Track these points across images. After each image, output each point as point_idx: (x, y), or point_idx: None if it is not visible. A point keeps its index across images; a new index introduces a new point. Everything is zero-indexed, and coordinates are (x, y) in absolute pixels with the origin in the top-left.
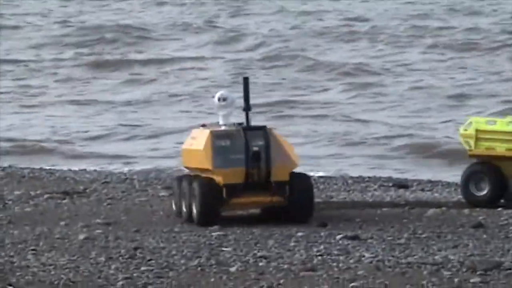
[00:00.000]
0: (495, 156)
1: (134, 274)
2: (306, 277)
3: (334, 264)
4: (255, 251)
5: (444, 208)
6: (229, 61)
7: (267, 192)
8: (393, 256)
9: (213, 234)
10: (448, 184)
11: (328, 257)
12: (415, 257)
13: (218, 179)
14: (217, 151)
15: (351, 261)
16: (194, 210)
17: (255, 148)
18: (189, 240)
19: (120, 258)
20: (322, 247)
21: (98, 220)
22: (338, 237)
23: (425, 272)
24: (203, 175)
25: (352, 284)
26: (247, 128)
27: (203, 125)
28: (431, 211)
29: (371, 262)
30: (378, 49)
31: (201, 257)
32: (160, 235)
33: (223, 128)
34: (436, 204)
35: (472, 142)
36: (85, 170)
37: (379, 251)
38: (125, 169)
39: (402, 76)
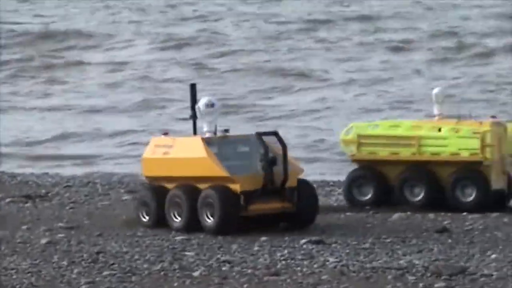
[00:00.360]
0: (378, 161)
1: (97, 279)
2: (270, 282)
3: (298, 268)
4: (219, 256)
5: (409, 213)
6: (178, 64)
7: (279, 198)
8: (357, 261)
9: (176, 238)
10: None
11: (292, 261)
12: (380, 261)
13: (235, 186)
14: (225, 157)
15: (315, 265)
16: (208, 220)
17: (271, 154)
18: (152, 244)
19: (83, 262)
20: (286, 251)
21: (60, 224)
22: (302, 241)
23: (389, 277)
24: (200, 184)
25: None
26: (261, 134)
27: (165, 134)
28: (395, 216)
29: (335, 267)
30: (329, 53)
31: (164, 262)
32: (123, 239)
33: (220, 134)
34: (401, 209)
35: (354, 147)
36: (47, 173)
37: (343, 256)
38: (87, 172)
39: (352, 80)
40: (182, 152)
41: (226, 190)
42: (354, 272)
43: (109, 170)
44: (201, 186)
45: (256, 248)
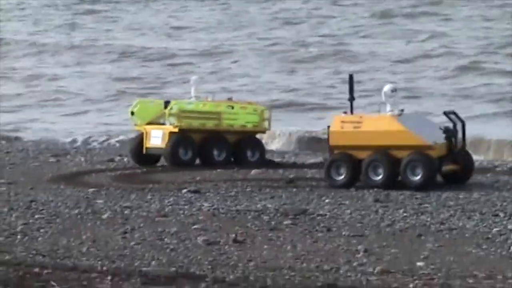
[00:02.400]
0: (192, 129)
1: (30, 221)
2: (160, 221)
3: (181, 211)
4: (121, 203)
5: (264, 169)
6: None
7: (455, 161)
8: (225, 205)
9: (89, 190)
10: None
11: (177, 206)
12: (242, 206)
13: (434, 152)
14: (416, 130)
15: (194, 209)
16: (414, 178)
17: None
18: (71, 195)
19: (19, 208)
20: (171, 199)
21: (2, 181)
22: (184, 191)
23: (249, 217)
24: (393, 151)
25: (194, 226)
26: (448, 112)
27: (345, 112)
28: (254, 171)
29: (209, 210)
30: None
31: (80, 207)
32: (49, 191)
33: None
34: (255, 166)
35: (176, 119)
36: None
37: (215, 202)
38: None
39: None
40: (378, 127)
41: (429, 155)
42: (223, 213)
43: (38, 137)
44: (397, 153)
45: (149, 197)
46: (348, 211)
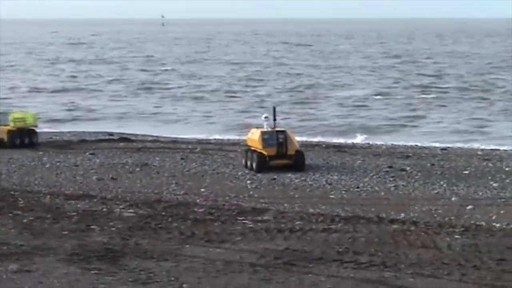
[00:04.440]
0: (17, 127)
1: (9, 168)
2: (74, 168)
3: (85, 163)
4: (55, 159)
5: (127, 142)
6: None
7: (285, 158)
8: (107, 161)
9: (39, 152)
10: None
11: (83, 161)
12: (115, 161)
13: (264, 152)
14: (267, 139)
15: (91, 162)
16: (254, 164)
17: (280, 139)
18: (30, 155)
19: (2, 162)
20: (80, 157)
21: None
22: (87, 153)
23: (119, 166)
24: (258, 150)
25: (91, 170)
26: (277, 131)
27: (257, 127)
28: (121, 144)
29: (99, 163)
30: None
31: (34, 161)
32: (17, 153)
33: (267, 130)
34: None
35: (12, 123)
36: None
37: (102, 159)
38: None
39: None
40: (254, 136)
41: (261, 154)
42: (106, 164)
43: None
44: (255, 150)
45: (69, 156)
46: (168, 164)
